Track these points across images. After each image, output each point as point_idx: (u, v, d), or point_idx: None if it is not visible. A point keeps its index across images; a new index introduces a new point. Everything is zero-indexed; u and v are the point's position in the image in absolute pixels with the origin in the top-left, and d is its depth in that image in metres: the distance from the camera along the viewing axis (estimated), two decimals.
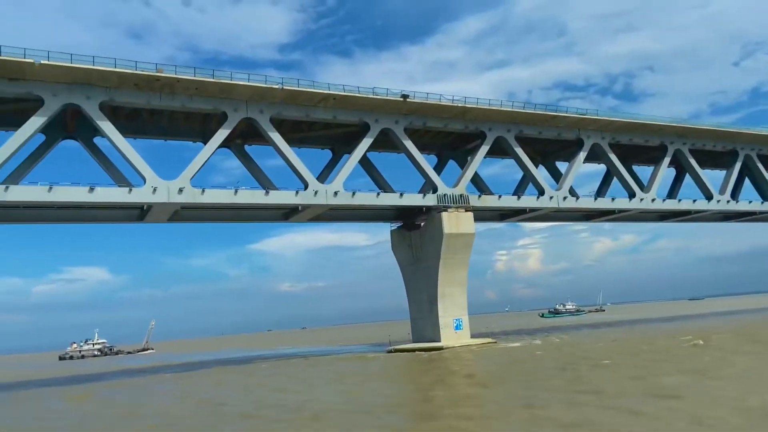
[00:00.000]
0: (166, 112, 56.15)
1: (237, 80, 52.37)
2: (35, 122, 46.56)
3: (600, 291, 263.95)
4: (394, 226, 70.45)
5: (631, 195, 74.59)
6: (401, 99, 58.89)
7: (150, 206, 52.20)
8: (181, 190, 50.89)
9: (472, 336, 64.94)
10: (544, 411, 22.15)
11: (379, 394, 32.30)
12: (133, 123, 56.30)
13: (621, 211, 76.15)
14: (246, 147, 62.30)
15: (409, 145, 61.76)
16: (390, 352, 62.64)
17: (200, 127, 59.60)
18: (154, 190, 49.92)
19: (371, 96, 57.74)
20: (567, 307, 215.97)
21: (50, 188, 46.60)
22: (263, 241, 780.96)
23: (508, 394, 27.41)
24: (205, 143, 60.05)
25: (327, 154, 68.07)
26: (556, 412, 21.84)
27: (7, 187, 45.25)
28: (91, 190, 48.03)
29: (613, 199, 73.87)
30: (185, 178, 51.68)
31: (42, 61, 44.88)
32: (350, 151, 65.74)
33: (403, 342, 67.98)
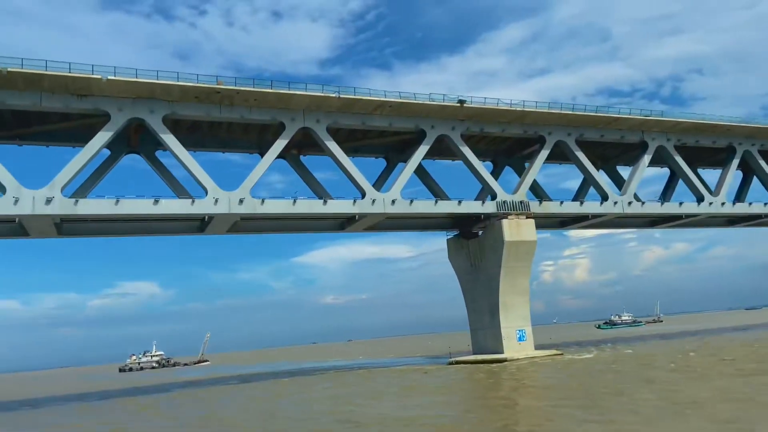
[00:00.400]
0: (224, 125, 56.69)
1: (294, 90, 52.41)
2: (102, 137, 47.52)
3: (657, 301, 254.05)
4: (450, 234, 69.12)
5: (699, 199, 71.08)
6: (458, 104, 57.80)
7: (211, 217, 52.54)
8: (241, 201, 51.03)
9: (536, 347, 62.67)
10: (648, 427, 20.44)
11: (451, 408, 31.06)
12: (192, 136, 56.99)
13: (688, 216, 72.61)
14: (301, 157, 62.33)
15: (467, 151, 60.50)
16: (451, 363, 61.07)
17: (257, 139, 59.99)
18: (216, 201, 50.22)
19: (428, 102, 56.87)
20: (623, 318, 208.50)
21: (117, 201, 47.40)
22: (307, 254, 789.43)
23: (594, 407, 25.68)
24: (261, 155, 60.46)
25: (378, 165, 67.62)
26: (664, 428, 20.12)
27: (76, 201, 46.22)
28: (156, 202, 48.64)
29: (680, 203, 70.52)
30: (245, 188, 51.84)
31: (108, 77, 45.87)
32: (404, 160, 65.02)
33: (462, 353, 66.18)
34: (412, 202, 57.54)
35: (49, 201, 44.73)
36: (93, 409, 47.92)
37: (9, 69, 42.80)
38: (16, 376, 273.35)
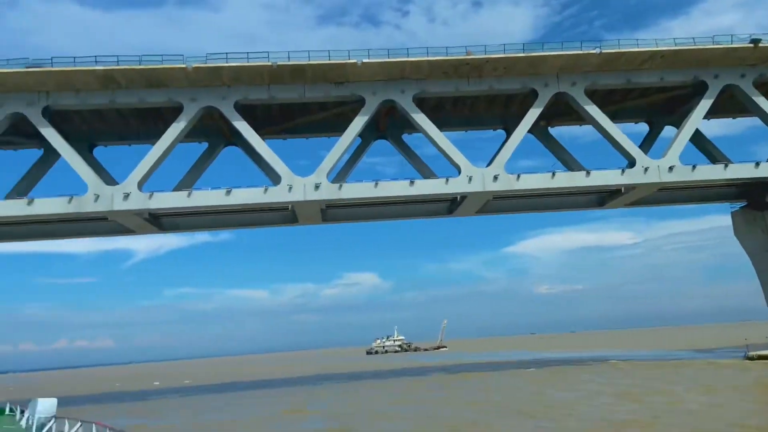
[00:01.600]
0: (468, 101, 54.24)
1: (548, 51, 47.58)
2: (359, 122, 48.02)
3: None
4: (735, 206, 57.90)
5: None
6: (751, 45, 47.30)
7: (464, 197, 50.34)
8: (495, 178, 47.85)
9: None
10: None
11: None
12: (436, 116, 55.18)
13: None
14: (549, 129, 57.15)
15: (762, 102, 49.40)
16: (750, 359, 50.72)
17: (502, 113, 56.45)
18: (470, 179, 47.75)
19: (711, 46, 47.49)
20: None
21: (376, 184, 47.58)
22: (518, 243, 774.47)
23: None
24: (506, 130, 56.97)
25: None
26: None
27: (340, 186, 47.37)
28: (412, 183, 47.82)
29: None
30: (498, 164, 48.57)
31: (363, 60, 46.03)
32: (672, 122, 56.24)
33: (759, 347, 54.77)
34: (694, 167, 48.64)
35: (317, 187, 46.41)
36: (385, 386, 49.03)
37: (279, 63, 45.16)
38: (269, 356, 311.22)
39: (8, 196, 46.58)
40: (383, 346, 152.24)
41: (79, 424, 17.40)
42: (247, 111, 49.22)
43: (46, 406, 18.39)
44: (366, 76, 47.53)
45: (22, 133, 48.92)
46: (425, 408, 34.42)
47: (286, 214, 52.29)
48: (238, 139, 51.78)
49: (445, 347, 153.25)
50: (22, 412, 19.82)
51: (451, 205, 54.61)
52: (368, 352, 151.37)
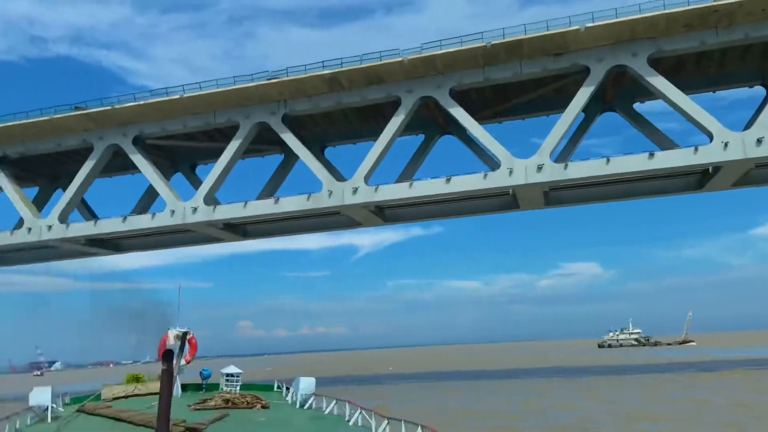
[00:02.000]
0: (715, 57, 46.52)
1: None
2: (583, 95, 44.07)
3: None
4: None
5: None
6: None
7: (717, 168, 43.25)
8: (759, 141, 40.12)
9: None
10: None
11: None
12: (674, 79, 48.44)
13: None
14: None
15: None
16: None
17: (759, 65, 47.42)
18: (725, 145, 40.73)
19: None
20: None
21: (608, 160, 43.27)
22: None
23: None
24: (765, 86, 47.96)
25: None
26: None
27: (565, 165, 44.11)
28: (651, 156, 42.49)
29: None
30: (762, 125, 40.67)
31: (587, 25, 42.07)
32: None
33: None
34: None
35: (540, 168, 43.74)
36: (629, 382, 45.16)
37: (493, 42, 43.51)
38: (487, 347, 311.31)
39: (259, 197, 52.36)
40: (617, 339, 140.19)
41: (334, 401, 18.16)
42: (461, 97, 48.40)
43: (306, 384, 19.70)
44: (589, 42, 43.39)
45: (265, 140, 54.70)
46: (684, 409, 30.08)
47: (505, 200, 50.45)
48: (453, 127, 51.44)
49: (693, 342, 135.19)
50: (287, 389, 21.59)
51: (701, 178, 47.44)
52: (600, 345, 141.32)
